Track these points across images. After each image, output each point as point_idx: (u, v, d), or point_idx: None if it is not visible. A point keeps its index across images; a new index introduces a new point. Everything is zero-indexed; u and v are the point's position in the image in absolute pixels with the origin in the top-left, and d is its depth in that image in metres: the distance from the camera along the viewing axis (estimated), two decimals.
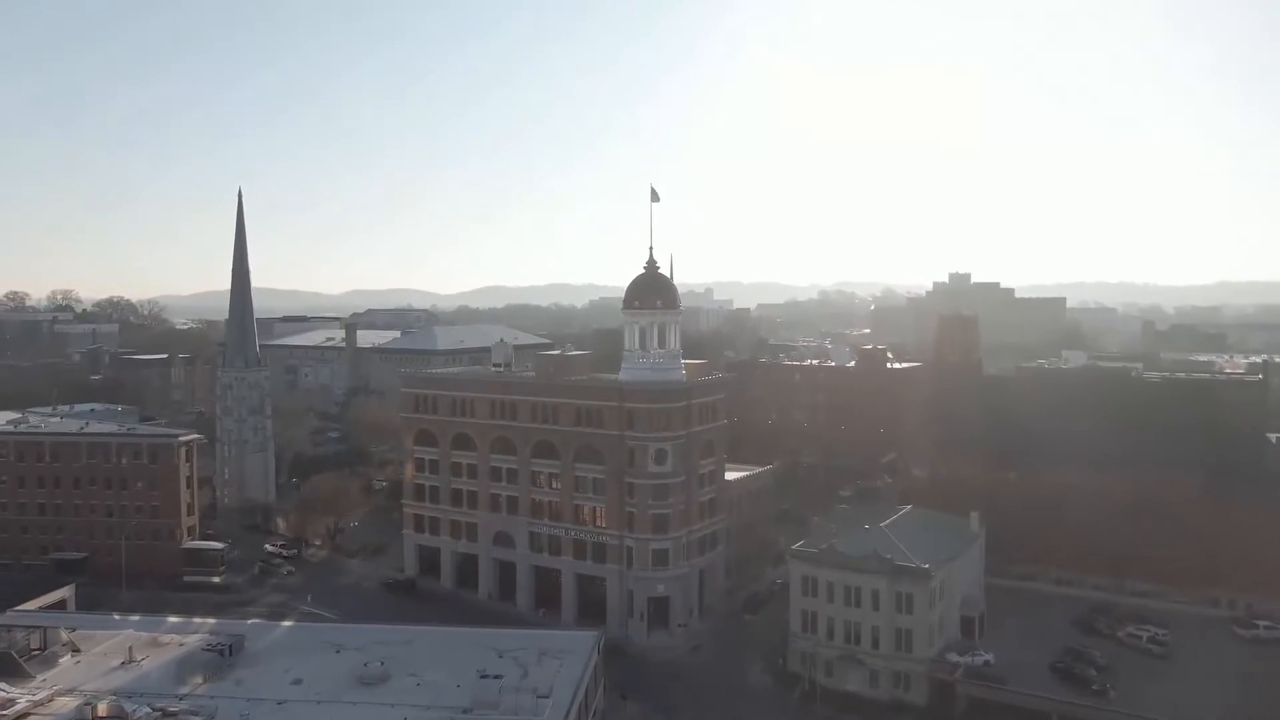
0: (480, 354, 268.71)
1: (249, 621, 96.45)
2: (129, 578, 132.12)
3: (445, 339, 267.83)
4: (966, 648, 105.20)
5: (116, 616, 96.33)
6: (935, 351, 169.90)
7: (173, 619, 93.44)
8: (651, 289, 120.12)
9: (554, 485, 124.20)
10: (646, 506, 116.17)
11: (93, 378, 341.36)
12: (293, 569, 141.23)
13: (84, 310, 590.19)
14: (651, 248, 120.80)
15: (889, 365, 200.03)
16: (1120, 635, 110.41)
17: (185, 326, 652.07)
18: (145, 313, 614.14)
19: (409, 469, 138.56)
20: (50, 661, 76.41)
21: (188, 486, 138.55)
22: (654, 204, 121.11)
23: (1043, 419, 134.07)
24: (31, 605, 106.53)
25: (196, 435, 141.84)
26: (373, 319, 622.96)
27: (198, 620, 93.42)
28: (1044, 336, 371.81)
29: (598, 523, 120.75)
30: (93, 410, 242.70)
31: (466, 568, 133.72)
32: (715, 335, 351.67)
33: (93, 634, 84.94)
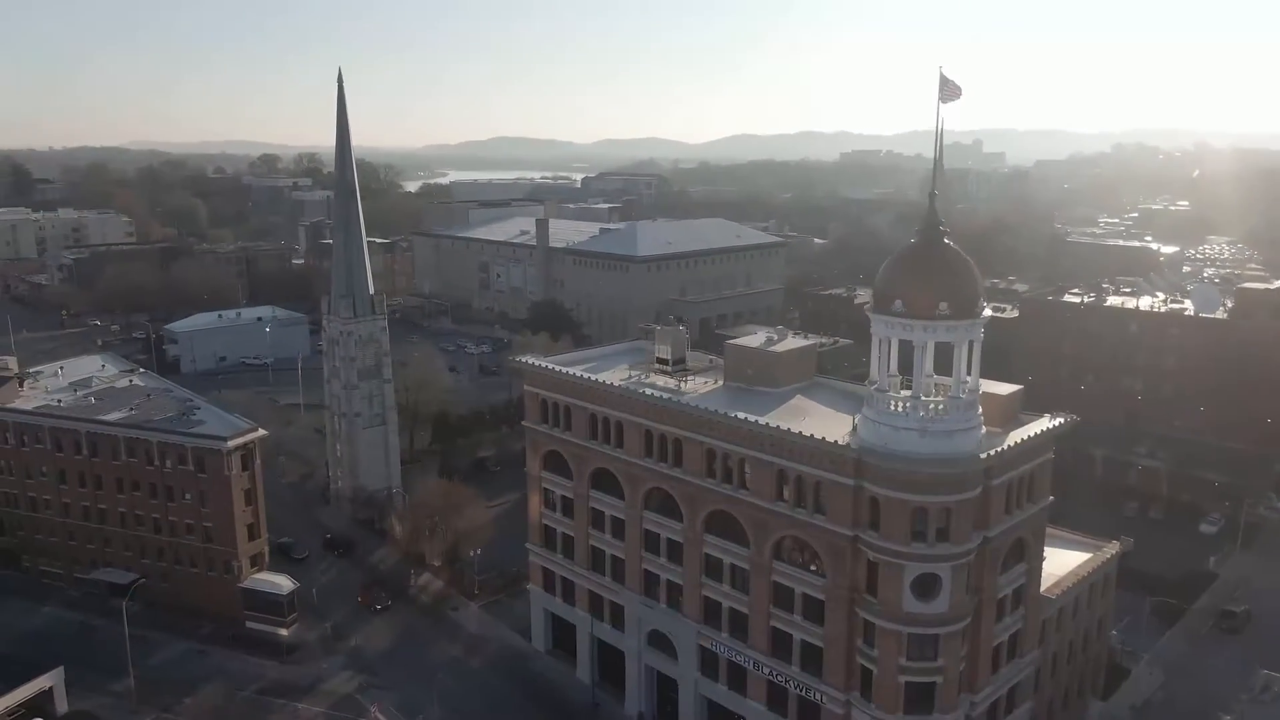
0: (693, 261, 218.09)
1: None
2: (184, 615, 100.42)
3: (648, 241, 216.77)
4: None
5: None
6: None
7: None
8: (930, 279, 62.40)
9: (739, 585, 74.61)
10: (895, 666, 64.30)
11: (295, 262, 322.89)
12: (389, 601, 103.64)
13: (327, 173, 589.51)
14: (933, 194, 63.13)
15: None
16: None
17: (416, 187, 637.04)
18: (383, 177, 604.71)
19: (534, 501, 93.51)
20: None
21: (248, 503, 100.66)
22: (942, 104, 63.35)
23: None
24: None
25: (259, 432, 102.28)
26: (604, 184, 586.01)
27: None
28: None
29: (809, 666, 70.52)
30: (259, 319, 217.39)
31: (611, 661, 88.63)
32: (995, 225, 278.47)
33: None
